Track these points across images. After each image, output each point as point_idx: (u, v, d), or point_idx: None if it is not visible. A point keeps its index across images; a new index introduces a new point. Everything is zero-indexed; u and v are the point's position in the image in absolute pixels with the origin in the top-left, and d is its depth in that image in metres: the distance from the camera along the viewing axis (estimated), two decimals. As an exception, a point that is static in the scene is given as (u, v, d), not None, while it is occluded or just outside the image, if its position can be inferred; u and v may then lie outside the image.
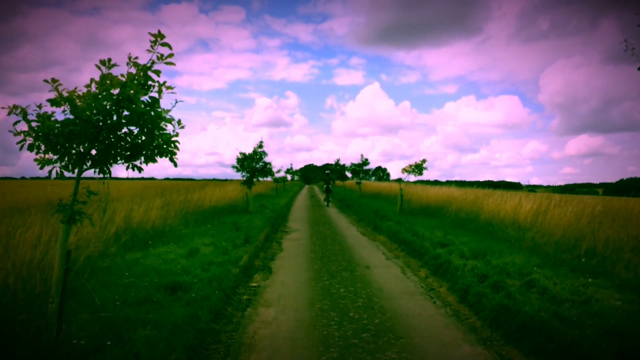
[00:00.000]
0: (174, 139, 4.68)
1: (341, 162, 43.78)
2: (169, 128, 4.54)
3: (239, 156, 17.87)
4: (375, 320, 5.41)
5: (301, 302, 6.12)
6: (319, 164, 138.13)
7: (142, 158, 4.52)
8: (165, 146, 4.62)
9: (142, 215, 10.35)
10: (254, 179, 18.10)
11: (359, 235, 13.32)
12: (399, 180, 20.38)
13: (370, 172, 32.12)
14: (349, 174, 41.23)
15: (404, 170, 17.84)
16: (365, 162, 31.48)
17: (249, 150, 17.91)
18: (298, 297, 6.33)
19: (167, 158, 4.72)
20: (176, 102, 4.55)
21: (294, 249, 10.67)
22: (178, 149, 4.73)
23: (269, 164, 18.31)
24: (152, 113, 4.34)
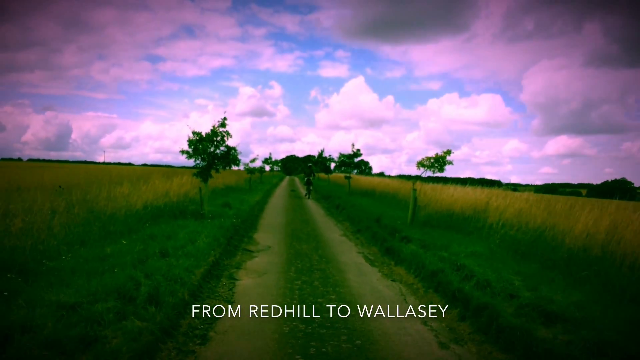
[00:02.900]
0: None
1: (325, 154, 38.97)
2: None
3: (192, 137, 12.58)
4: None
5: None
6: (301, 155, 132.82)
7: None
8: None
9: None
10: (212, 169, 12.93)
11: (364, 265, 8.40)
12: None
13: (353, 165, 26.88)
14: (332, 166, 36.34)
15: (420, 164, 12.81)
16: (357, 153, 26.16)
17: (207, 129, 12.67)
18: None
19: None
20: None
21: (254, 306, 5.69)
22: None
23: (234, 149, 13.11)
24: None
